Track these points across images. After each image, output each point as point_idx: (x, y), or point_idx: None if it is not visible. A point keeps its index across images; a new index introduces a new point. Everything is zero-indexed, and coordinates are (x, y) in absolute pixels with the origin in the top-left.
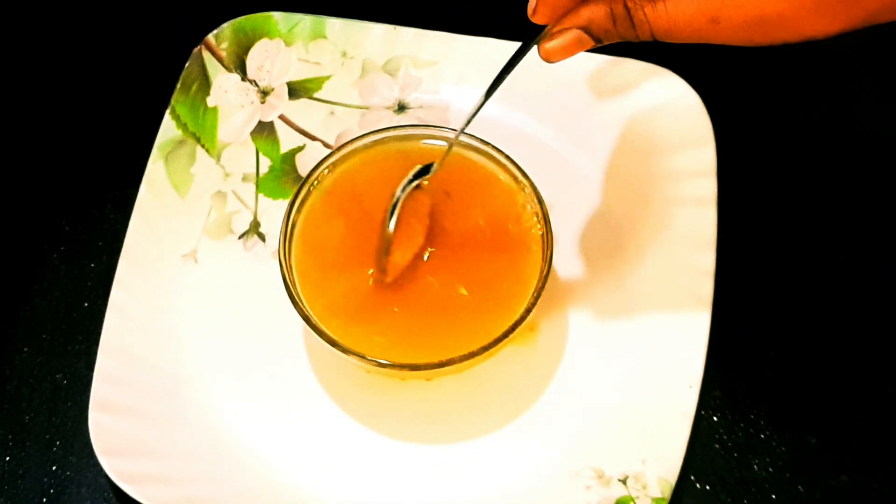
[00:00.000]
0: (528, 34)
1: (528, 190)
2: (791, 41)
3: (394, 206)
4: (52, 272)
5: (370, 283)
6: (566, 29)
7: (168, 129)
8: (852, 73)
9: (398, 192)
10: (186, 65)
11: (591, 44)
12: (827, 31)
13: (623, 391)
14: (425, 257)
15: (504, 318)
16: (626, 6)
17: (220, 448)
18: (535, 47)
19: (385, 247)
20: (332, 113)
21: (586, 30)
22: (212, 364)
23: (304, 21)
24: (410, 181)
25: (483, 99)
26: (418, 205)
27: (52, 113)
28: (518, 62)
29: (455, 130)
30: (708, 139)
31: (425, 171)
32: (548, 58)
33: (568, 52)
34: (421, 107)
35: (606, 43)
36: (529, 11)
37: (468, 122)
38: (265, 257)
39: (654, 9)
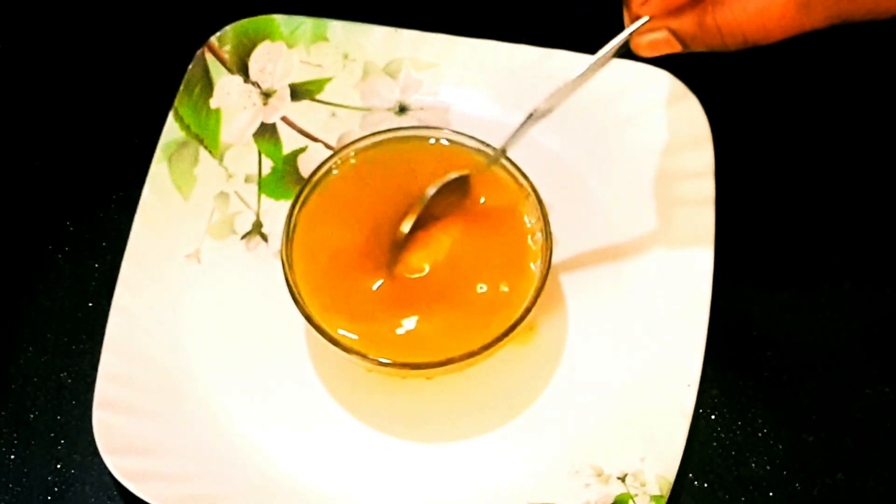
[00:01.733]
0: (527, 36)
1: (528, 190)
2: (879, 15)
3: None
4: (56, 272)
5: (371, 282)
6: (658, 28)
7: (171, 130)
8: (852, 73)
9: (429, 191)
10: (189, 67)
11: (679, 48)
12: None
13: (622, 390)
14: (427, 255)
15: (504, 318)
16: (714, 18)
17: (222, 446)
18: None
19: (401, 243)
20: (333, 114)
21: (675, 33)
22: (215, 363)
23: (306, 24)
24: (444, 184)
25: (571, 85)
26: (446, 212)
27: (56, 114)
28: (615, 49)
29: (455, 132)
30: (706, 140)
31: (461, 181)
32: (637, 50)
33: (656, 49)
34: (422, 108)
35: (694, 50)
36: (636, 2)
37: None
38: (267, 257)
39: (745, 11)
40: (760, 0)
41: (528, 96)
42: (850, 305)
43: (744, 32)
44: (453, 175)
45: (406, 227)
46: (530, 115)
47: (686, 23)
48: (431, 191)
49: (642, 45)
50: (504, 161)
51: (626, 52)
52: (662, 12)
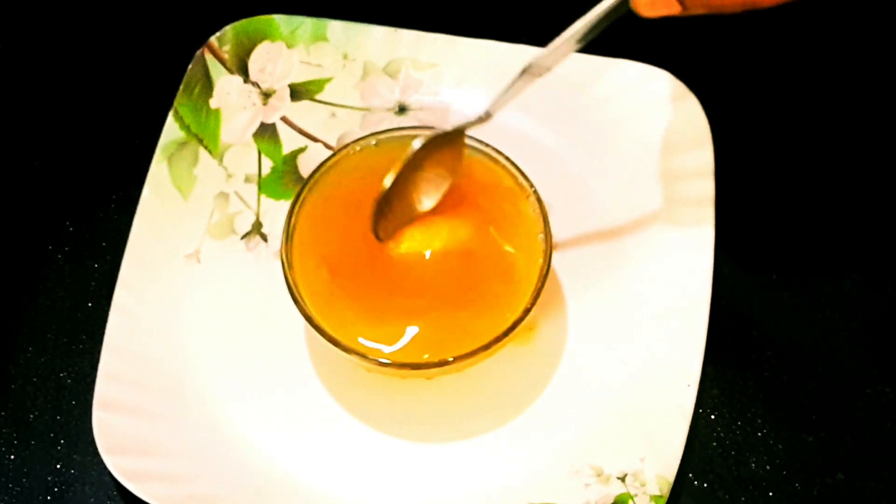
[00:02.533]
0: (527, 36)
1: (528, 190)
2: None
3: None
4: (56, 272)
5: (371, 282)
6: None
7: (171, 130)
8: (852, 73)
9: (414, 144)
10: (189, 67)
11: (679, 9)
12: None
13: (621, 389)
14: (426, 255)
15: (503, 318)
16: None
17: (222, 446)
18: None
19: (382, 198)
20: (333, 115)
21: None
22: (214, 363)
23: (306, 24)
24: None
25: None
26: (437, 173)
27: (56, 114)
28: (613, 6)
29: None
30: (705, 140)
31: (451, 136)
32: (636, 8)
33: (655, 8)
34: (421, 108)
35: (692, 12)
36: None
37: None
38: (267, 257)
39: None
40: None
41: (528, 96)
42: (850, 305)
43: None
44: (442, 130)
45: (388, 180)
46: (524, 70)
47: None
48: (417, 144)
49: (642, 4)
50: (502, 159)
51: (626, 50)
52: None
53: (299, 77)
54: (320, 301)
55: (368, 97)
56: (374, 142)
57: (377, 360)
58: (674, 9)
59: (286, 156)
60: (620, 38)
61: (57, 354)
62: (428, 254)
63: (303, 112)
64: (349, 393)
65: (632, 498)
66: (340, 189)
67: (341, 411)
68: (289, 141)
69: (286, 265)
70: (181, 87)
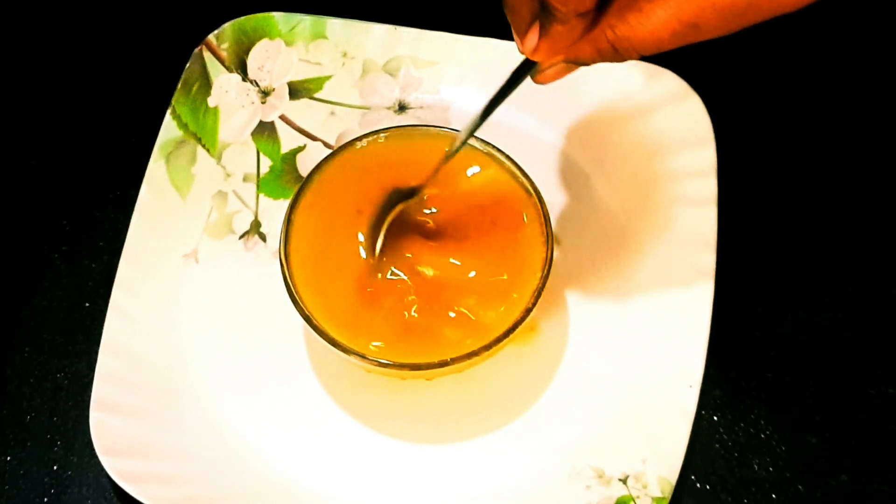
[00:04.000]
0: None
1: (529, 190)
2: (766, 19)
3: (380, 226)
4: (53, 272)
5: (370, 281)
6: (554, 61)
7: (169, 129)
8: (854, 72)
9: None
10: (187, 65)
11: (576, 69)
12: (798, 3)
13: (623, 391)
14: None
15: (504, 318)
16: (608, 41)
17: (220, 447)
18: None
19: (373, 256)
20: (332, 113)
21: (575, 61)
22: (212, 363)
23: (305, 21)
24: (397, 202)
25: (476, 121)
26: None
27: (53, 113)
28: (510, 93)
29: (455, 130)
30: (708, 139)
31: (411, 193)
32: (541, 83)
33: (558, 78)
34: (421, 107)
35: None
36: (527, 50)
37: (462, 144)
38: (266, 257)
39: (635, 32)
40: (652, 22)
41: (527, 94)
42: (853, 306)
43: (637, 50)
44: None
45: (377, 248)
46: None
47: (584, 50)
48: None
49: (546, 78)
50: (503, 158)
51: None
52: (554, 55)
53: (298, 75)
54: (319, 301)
55: (368, 95)
56: (373, 141)
57: (377, 361)
58: (572, 70)
59: (285, 154)
60: None
61: (54, 355)
62: (428, 254)
63: (302, 110)
64: (349, 393)
65: (633, 500)
66: (339, 188)
67: (341, 412)
68: (287, 139)
69: (285, 265)
70: (179, 86)
